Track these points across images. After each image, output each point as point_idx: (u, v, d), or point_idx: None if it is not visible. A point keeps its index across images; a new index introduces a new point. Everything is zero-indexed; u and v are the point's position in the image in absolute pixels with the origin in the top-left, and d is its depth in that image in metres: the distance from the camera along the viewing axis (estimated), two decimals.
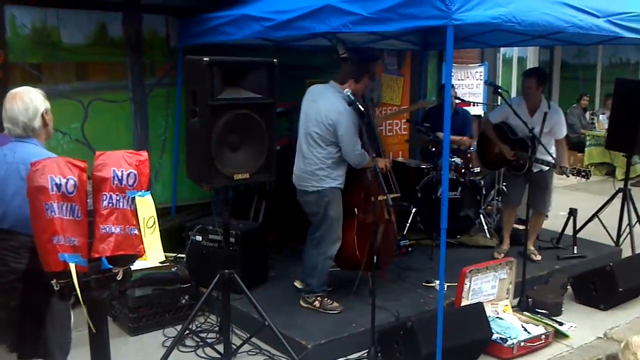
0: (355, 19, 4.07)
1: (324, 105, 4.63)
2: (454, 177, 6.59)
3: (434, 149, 6.85)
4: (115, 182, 2.73)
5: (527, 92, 5.82)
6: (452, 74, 8.66)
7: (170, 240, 5.45)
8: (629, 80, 7.50)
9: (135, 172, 2.76)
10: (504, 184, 6.84)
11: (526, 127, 5.35)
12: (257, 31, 4.87)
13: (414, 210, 6.63)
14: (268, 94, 3.87)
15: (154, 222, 2.80)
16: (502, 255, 5.92)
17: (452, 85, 7.60)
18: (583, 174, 5.49)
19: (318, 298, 4.78)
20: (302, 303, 4.82)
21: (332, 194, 4.67)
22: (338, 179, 4.69)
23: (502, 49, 9.89)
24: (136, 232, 2.75)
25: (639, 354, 2.70)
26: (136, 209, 2.76)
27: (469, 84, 9.00)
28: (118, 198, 2.73)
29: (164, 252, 5.14)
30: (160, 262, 4.78)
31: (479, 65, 9.12)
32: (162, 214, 5.79)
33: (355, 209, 4.90)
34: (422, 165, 6.99)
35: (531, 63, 11.15)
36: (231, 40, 5.22)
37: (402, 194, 6.79)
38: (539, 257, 6.03)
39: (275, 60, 3.88)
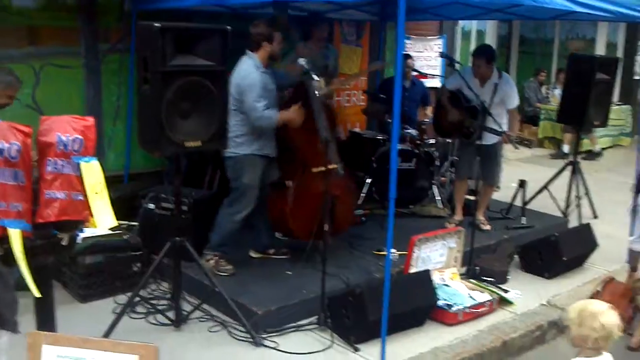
0: None
1: (234, 73, 4.66)
2: (409, 149, 6.69)
3: (390, 120, 6.91)
4: (60, 147, 2.72)
5: (477, 70, 5.92)
6: (411, 46, 8.74)
7: (122, 208, 5.39)
8: (581, 55, 7.64)
9: (81, 137, 2.76)
10: (457, 156, 6.95)
11: (478, 97, 5.47)
12: None
13: (369, 180, 6.71)
14: (220, 61, 3.88)
15: (102, 188, 2.81)
16: (453, 225, 6.05)
17: (410, 56, 7.66)
18: (526, 142, 5.62)
19: (214, 257, 4.83)
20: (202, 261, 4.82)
21: (246, 159, 4.72)
22: (255, 145, 4.73)
23: (460, 22, 9.95)
24: (81, 197, 2.76)
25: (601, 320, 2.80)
26: (82, 175, 2.75)
27: (427, 56, 9.06)
28: (63, 163, 2.73)
29: (117, 219, 5.14)
30: (111, 229, 4.79)
31: (438, 38, 9.18)
32: (114, 181, 5.81)
33: (289, 182, 5.00)
34: (378, 136, 7.06)
35: (490, 37, 11.24)
36: (186, 6, 5.15)
37: (358, 164, 6.91)
38: (488, 227, 6.19)
39: (228, 27, 3.87)
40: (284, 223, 5.11)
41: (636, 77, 12.86)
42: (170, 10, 5.26)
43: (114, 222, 3.14)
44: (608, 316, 2.83)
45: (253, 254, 5.23)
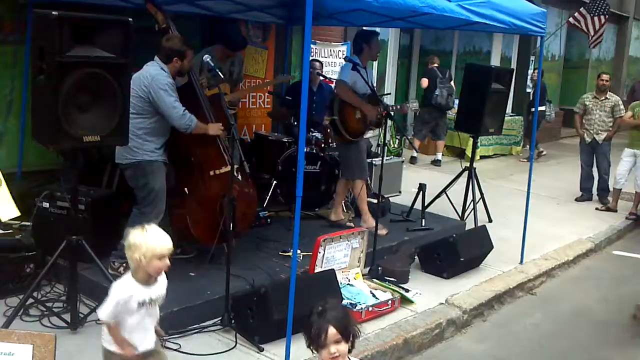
0: None
1: (139, 75, 4.49)
2: (314, 152, 6.73)
3: (296, 123, 6.94)
4: None
5: (375, 53, 6.22)
6: (316, 50, 8.82)
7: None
8: (478, 65, 7.99)
9: None
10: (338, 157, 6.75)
11: (367, 85, 5.83)
12: None
13: (274, 183, 6.70)
14: (122, 54, 3.76)
15: (0, 178, 2.64)
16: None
17: (319, 61, 7.74)
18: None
19: (124, 264, 4.62)
20: (109, 270, 4.56)
21: (149, 166, 4.57)
22: (155, 152, 4.59)
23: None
24: None
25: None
26: None
27: (332, 62, 9.17)
28: None
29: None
30: (2, 229, 4.53)
31: (342, 44, 9.32)
32: (6, 179, 5.46)
33: (186, 189, 4.89)
34: (284, 139, 7.07)
35: (392, 45, 11.52)
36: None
37: (263, 167, 6.89)
38: (351, 224, 6.24)
39: (130, 19, 3.76)
40: (185, 231, 4.93)
41: (528, 90, 13.56)
42: (69, 4, 5.03)
43: (17, 212, 2.97)
44: (136, 235, 2.88)
45: None
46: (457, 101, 11.96)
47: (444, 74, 10.87)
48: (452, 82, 10.97)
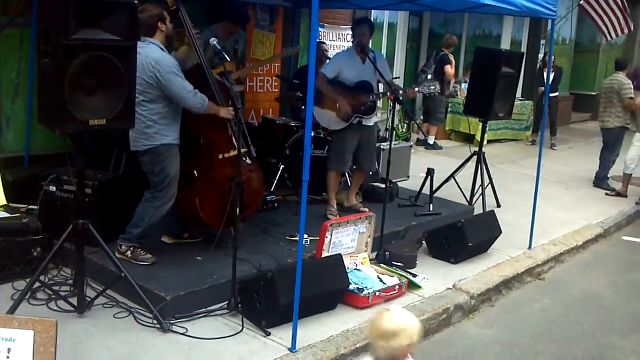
0: None
1: (141, 60, 4.29)
2: (321, 136, 6.69)
3: (303, 107, 6.90)
4: None
5: (364, 40, 5.96)
6: (324, 34, 8.76)
7: (21, 191, 5.17)
8: (487, 49, 7.91)
9: None
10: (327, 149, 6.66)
11: (361, 74, 5.74)
12: None
13: (281, 167, 6.67)
14: (128, 36, 3.73)
15: None
16: (337, 216, 5.87)
17: (324, 43, 7.67)
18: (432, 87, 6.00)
19: (131, 248, 4.65)
20: (116, 254, 4.54)
21: (166, 151, 4.54)
22: (171, 135, 4.56)
23: (373, 13, 10.05)
24: None
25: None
26: None
27: (339, 46, 9.09)
28: None
29: (15, 203, 4.87)
30: (9, 212, 4.54)
31: (350, 28, 9.22)
32: (13, 163, 5.51)
33: (195, 171, 4.85)
34: (291, 123, 7.03)
35: (401, 29, 11.44)
36: None
37: (270, 151, 6.86)
38: (365, 208, 6.12)
39: (136, 1, 3.72)
40: (193, 214, 4.91)
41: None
42: None
43: (3, 200, 2.98)
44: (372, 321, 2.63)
45: (166, 240, 5.08)
46: (456, 85, 12.04)
47: (431, 58, 10.98)
48: (449, 67, 10.83)
